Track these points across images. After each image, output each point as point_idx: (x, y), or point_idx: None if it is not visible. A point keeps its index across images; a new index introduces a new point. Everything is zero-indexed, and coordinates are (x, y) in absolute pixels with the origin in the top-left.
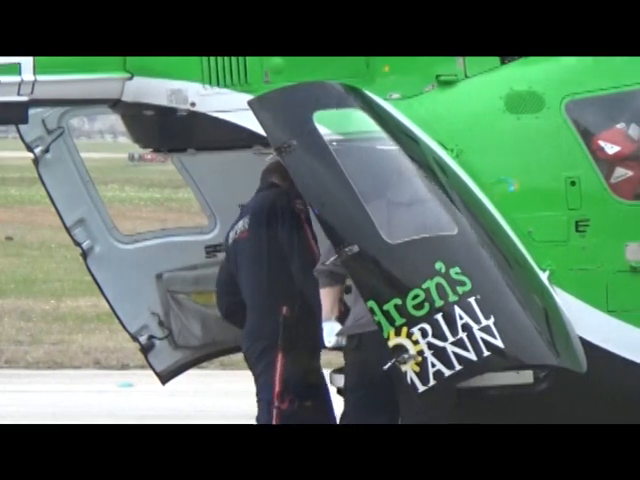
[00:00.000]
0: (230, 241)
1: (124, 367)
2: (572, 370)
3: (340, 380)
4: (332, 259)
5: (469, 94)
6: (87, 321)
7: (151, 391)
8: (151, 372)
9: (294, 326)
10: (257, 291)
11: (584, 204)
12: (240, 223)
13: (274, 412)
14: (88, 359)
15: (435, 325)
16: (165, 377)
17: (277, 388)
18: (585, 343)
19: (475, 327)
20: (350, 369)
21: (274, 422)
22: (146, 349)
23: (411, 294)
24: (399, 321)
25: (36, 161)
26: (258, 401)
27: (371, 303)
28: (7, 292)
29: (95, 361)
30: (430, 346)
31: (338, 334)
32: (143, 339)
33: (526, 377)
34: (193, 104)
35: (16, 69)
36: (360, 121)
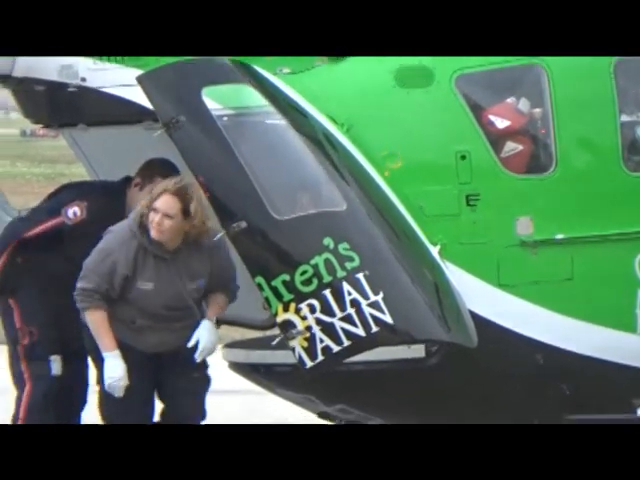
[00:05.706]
0: None
1: None
2: (463, 345)
3: (232, 355)
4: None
5: (359, 69)
6: None
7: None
8: None
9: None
10: None
11: (475, 178)
12: None
13: (20, 351)
14: None
15: (323, 301)
16: None
17: (18, 324)
18: (476, 317)
19: (364, 303)
20: None
21: (22, 363)
22: None
23: (299, 270)
24: (287, 297)
25: None
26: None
27: (259, 279)
28: None
29: None
30: (318, 322)
31: None
32: None
33: (418, 351)
34: (83, 79)
35: None
36: (249, 96)
